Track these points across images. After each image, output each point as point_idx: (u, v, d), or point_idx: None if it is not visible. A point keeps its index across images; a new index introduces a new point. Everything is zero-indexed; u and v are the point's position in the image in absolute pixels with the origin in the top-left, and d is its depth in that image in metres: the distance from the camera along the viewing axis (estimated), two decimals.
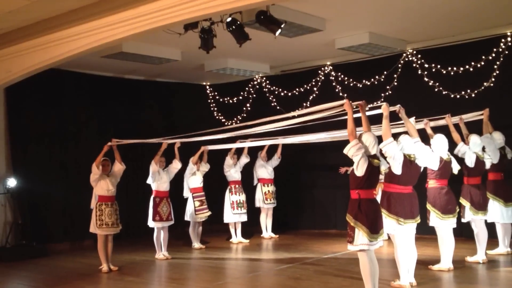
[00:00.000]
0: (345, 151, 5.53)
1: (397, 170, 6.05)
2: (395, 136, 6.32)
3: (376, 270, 5.59)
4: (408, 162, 6.14)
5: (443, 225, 6.96)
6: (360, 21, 8.42)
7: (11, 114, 10.00)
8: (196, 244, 9.75)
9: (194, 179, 9.56)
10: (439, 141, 6.97)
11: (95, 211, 7.92)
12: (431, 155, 6.68)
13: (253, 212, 10.74)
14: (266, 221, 10.77)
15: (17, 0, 6.75)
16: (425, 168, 6.85)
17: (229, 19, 6.90)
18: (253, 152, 10.58)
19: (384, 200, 6.17)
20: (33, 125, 10.18)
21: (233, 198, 10.10)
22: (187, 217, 9.66)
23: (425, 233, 7.82)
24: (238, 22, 6.93)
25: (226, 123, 12.85)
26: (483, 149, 7.71)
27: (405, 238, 6.18)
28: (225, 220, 10.23)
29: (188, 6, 6.39)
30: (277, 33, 6.86)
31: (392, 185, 6.20)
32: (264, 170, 10.54)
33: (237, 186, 10.19)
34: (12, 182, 9.64)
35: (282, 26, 6.78)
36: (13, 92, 9.79)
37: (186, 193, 9.62)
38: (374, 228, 5.50)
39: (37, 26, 7.93)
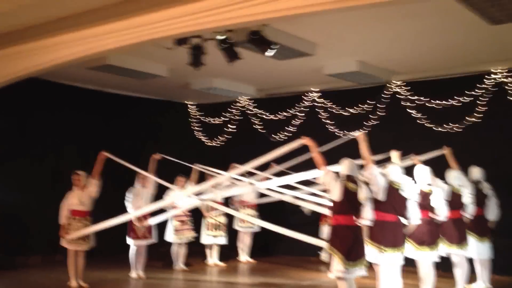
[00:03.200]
0: (321, 181, 5.64)
1: (379, 195, 5.98)
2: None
3: None
4: (392, 189, 6.08)
5: (419, 257, 6.86)
6: (349, 49, 8.43)
7: None
8: (177, 266, 9.46)
9: (179, 199, 9.14)
10: (420, 172, 6.94)
11: (69, 227, 7.66)
12: (412, 186, 6.66)
13: (232, 235, 10.51)
14: (242, 245, 10.55)
15: (2, 3, 6.57)
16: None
17: (221, 37, 6.81)
18: None
19: (367, 227, 6.07)
20: (11, 134, 9.89)
21: (208, 220, 9.86)
22: (166, 237, 9.37)
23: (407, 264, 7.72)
24: (230, 41, 6.85)
25: (207, 143, 12.73)
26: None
27: (388, 268, 6.06)
28: (202, 241, 9.97)
29: (179, 21, 6.28)
30: (269, 53, 6.80)
31: (375, 212, 6.09)
32: (250, 194, 10.24)
33: (212, 208, 9.88)
34: None
35: (274, 47, 6.72)
36: None
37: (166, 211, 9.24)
38: (350, 255, 5.41)
39: (22, 32, 7.74)
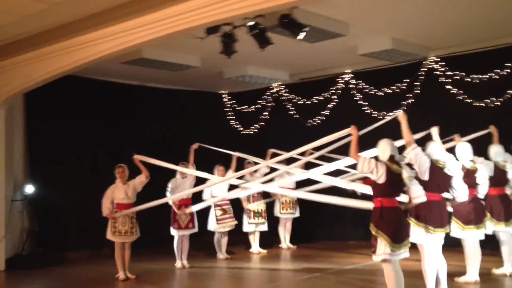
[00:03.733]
0: (359, 171, 5.51)
1: (423, 175, 5.88)
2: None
3: (402, 282, 5.41)
4: (436, 168, 5.96)
5: (466, 236, 6.74)
6: (383, 27, 8.28)
7: (30, 120, 9.95)
8: (220, 255, 9.54)
9: (218, 187, 9.19)
10: (462, 149, 6.78)
11: (111, 219, 7.80)
12: (455, 163, 6.52)
13: (272, 222, 10.53)
14: (284, 231, 10.57)
15: (35, 4, 6.70)
16: None
17: (251, 23, 6.78)
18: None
19: (412, 208, 5.97)
20: (52, 132, 10.13)
21: (250, 207, 9.90)
22: (209, 227, 9.44)
23: (452, 244, 7.58)
24: (261, 26, 6.81)
25: (243, 132, 12.75)
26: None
27: (433, 248, 5.96)
28: (244, 229, 10.02)
29: (210, 9, 6.32)
30: (301, 36, 6.74)
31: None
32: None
33: (255, 195, 9.94)
34: (29, 189, 9.57)
35: (306, 29, 6.65)
36: (32, 98, 9.76)
37: (207, 196, 9.23)
38: (397, 237, 5.34)
39: (56, 31, 7.90)
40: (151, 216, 9.78)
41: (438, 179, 5.95)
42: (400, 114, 6.09)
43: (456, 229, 6.76)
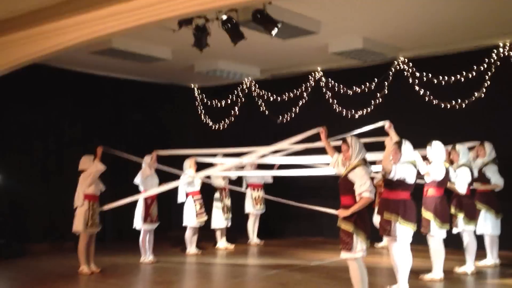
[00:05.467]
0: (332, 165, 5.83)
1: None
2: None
3: (366, 278, 5.49)
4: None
5: (440, 235, 6.87)
6: (354, 26, 8.35)
7: None
8: (192, 250, 9.47)
9: (193, 183, 9.22)
10: (438, 148, 6.90)
11: (86, 210, 7.63)
12: (438, 165, 6.74)
13: (237, 218, 10.52)
14: (253, 227, 10.58)
15: None
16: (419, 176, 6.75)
17: (224, 17, 6.75)
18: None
19: (400, 206, 6.09)
20: (15, 122, 9.88)
21: (223, 202, 9.88)
22: (185, 222, 9.34)
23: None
24: (234, 21, 6.78)
25: (213, 127, 12.71)
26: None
27: (407, 244, 6.15)
28: (214, 226, 9.97)
29: (183, 1, 6.22)
30: (274, 32, 6.74)
31: (404, 192, 6.18)
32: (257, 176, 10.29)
33: (224, 191, 9.97)
34: None
35: (279, 25, 6.66)
36: None
37: (182, 198, 9.24)
38: (369, 234, 5.49)
39: (24, 18, 7.68)
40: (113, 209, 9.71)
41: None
42: (387, 124, 6.24)
43: (435, 227, 6.85)
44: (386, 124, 6.63)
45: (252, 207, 10.38)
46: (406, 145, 6.22)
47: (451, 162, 7.34)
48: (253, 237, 10.59)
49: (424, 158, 6.85)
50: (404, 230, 6.09)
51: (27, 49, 8.08)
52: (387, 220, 6.13)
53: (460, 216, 7.30)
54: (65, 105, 10.59)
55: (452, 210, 7.33)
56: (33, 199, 9.86)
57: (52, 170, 10.23)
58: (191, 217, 9.28)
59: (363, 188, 5.32)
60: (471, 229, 7.40)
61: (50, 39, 7.77)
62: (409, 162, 6.18)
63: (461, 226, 7.32)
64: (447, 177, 6.92)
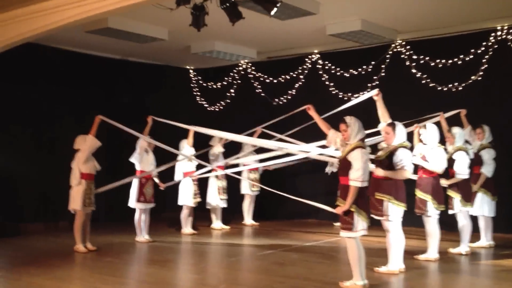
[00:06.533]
0: (329, 143, 5.87)
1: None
2: None
3: (364, 256, 5.53)
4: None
5: (436, 216, 6.91)
6: (353, 8, 8.31)
7: None
8: (187, 229, 9.50)
9: (188, 163, 9.23)
10: (433, 131, 6.92)
11: (84, 190, 7.63)
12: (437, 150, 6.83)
13: (232, 199, 10.54)
14: (249, 208, 10.62)
15: None
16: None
17: None
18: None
19: (392, 187, 6.08)
20: (8, 100, 9.80)
21: (219, 184, 9.90)
22: (181, 202, 9.37)
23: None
24: (232, 0, 6.72)
25: (208, 109, 12.68)
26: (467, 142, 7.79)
27: (399, 224, 6.21)
28: (209, 206, 10.01)
29: None
30: (273, 12, 6.66)
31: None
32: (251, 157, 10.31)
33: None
34: None
35: (278, 5, 6.59)
36: None
37: (178, 177, 9.26)
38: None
39: None
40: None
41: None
42: (376, 93, 6.21)
43: (432, 208, 6.89)
44: (375, 92, 6.57)
45: (249, 189, 10.40)
46: (400, 127, 6.21)
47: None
48: (248, 218, 10.63)
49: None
50: (396, 210, 6.11)
51: (24, 27, 7.99)
52: (378, 200, 6.13)
53: (457, 198, 7.35)
54: (58, 84, 10.47)
55: (449, 192, 7.38)
56: (27, 178, 9.82)
57: (45, 149, 10.16)
58: (187, 197, 9.30)
59: (354, 176, 5.34)
60: (467, 211, 7.46)
61: (47, 17, 7.69)
62: (403, 145, 6.16)
63: (457, 207, 7.38)
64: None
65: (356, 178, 5.33)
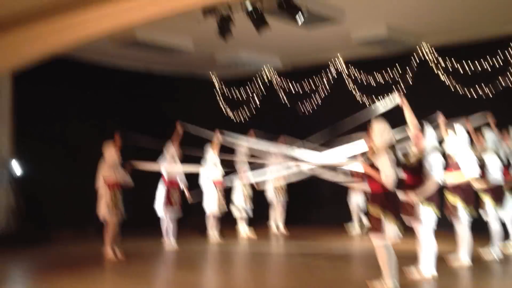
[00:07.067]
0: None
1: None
2: None
3: (394, 261, 5.49)
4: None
5: (468, 219, 6.85)
6: (378, 14, 8.30)
7: (17, 99, 9.86)
8: (213, 236, 9.55)
9: (214, 170, 9.32)
10: (464, 134, 6.88)
11: (109, 197, 7.75)
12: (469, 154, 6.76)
13: (261, 206, 10.55)
14: (276, 215, 10.61)
15: None
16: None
17: (249, 5, 6.75)
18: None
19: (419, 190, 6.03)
20: (38, 111, 10.05)
21: (244, 191, 9.94)
22: (207, 209, 9.44)
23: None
24: (259, 9, 6.78)
25: (233, 118, 12.73)
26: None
27: (431, 228, 6.14)
28: (235, 213, 10.04)
29: None
30: (299, 19, 6.72)
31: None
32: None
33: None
34: (15, 167, 9.48)
35: (304, 12, 6.64)
36: (20, 78, 9.64)
37: (204, 185, 9.34)
38: (399, 217, 5.52)
39: (49, 9, 7.77)
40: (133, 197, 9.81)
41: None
42: (400, 98, 6.12)
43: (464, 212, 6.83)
44: (398, 99, 6.41)
45: (275, 196, 10.41)
46: (429, 129, 6.15)
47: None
48: (275, 225, 10.61)
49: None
50: (427, 212, 6.03)
51: (52, 41, 8.17)
52: (410, 203, 6.06)
53: (488, 200, 7.25)
54: (85, 95, 10.70)
55: (481, 195, 7.28)
56: (55, 186, 9.99)
57: (71, 157, 10.31)
58: (212, 204, 9.37)
59: (386, 179, 5.31)
60: (498, 213, 7.35)
61: (74, 30, 7.85)
62: (434, 148, 6.10)
63: (489, 210, 7.27)
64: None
65: (388, 180, 5.29)
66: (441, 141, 6.72)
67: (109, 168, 7.78)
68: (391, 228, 5.37)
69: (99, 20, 7.39)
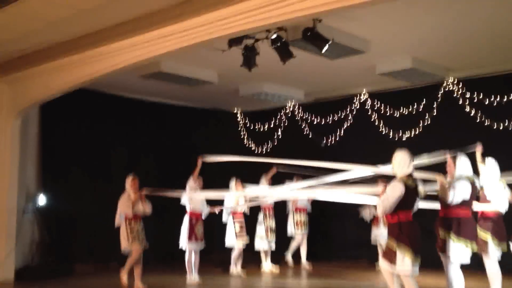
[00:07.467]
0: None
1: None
2: None
3: None
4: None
5: (497, 255, 6.59)
6: (403, 45, 8.25)
7: (44, 131, 9.95)
8: (235, 270, 9.38)
9: (233, 200, 9.26)
10: (494, 165, 6.70)
11: (125, 228, 7.79)
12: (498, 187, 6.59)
13: (282, 239, 10.38)
14: (294, 248, 10.42)
15: (61, 8, 6.67)
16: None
17: (274, 36, 6.78)
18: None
19: (454, 223, 5.84)
20: (65, 144, 10.13)
21: (267, 224, 9.80)
22: (228, 242, 9.31)
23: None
24: (283, 39, 6.80)
25: (256, 151, 12.68)
26: None
27: (459, 264, 5.91)
28: (257, 247, 9.88)
29: (233, 20, 6.26)
30: (324, 50, 6.71)
31: (461, 209, 5.89)
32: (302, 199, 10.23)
33: (269, 212, 9.90)
34: (41, 200, 9.50)
35: (329, 43, 6.63)
36: (48, 109, 9.76)
37: (225, 218, 9.29)
38: (418, 250, 5.35)
39: (74, 41, 7.88)
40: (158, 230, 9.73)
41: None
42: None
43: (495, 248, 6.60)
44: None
45: (294, 230, 10.24)
46: (462, 159, 6.00)
47: None
48: (292, 258, 10.40)
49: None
50: (457, 249, 5.80)
51: (78, 73, 8.28)
52: (442, 239, 5.89)
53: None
54: (112, 129, 10.78)
55: None
56: (79, 220, 9.98)
57: (98, 191, 10.34)
58: (231, 238, 9.25)
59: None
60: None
61: (100, 62, 7.96)
62: (465, 178, 5.92)
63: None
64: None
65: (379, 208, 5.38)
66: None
67: (127, 201, 7.81)
68: (405, 261, 5.26)
69: (126, 51, 7.48)
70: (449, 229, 5.84)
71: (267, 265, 9.92)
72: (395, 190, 5.33)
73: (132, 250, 7.74)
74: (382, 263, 5.46)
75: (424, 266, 5.66)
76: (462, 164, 5.98)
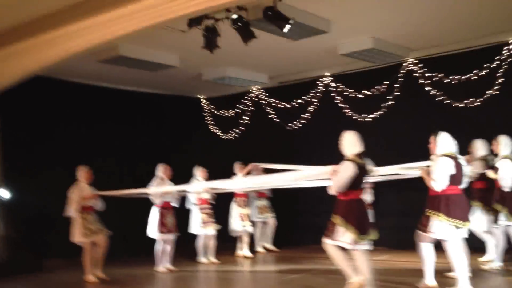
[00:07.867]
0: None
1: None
2: None
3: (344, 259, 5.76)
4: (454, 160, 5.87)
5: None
6: (364, 26, 8.26)
7: (3, 123, 9.59)
8: (203, 259, 9.31)
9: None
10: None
11: (79, 221, 7.77)
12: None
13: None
14: (260, 235, 10.40)
15: None
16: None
17: (234, 16, 6.68)
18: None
19: (440, 203, 5.73)
20: (26, 135, 9.85)
21: (241, 211, 9.79)
22: (192, 230, 9.23)
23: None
24: (244, 19, 6.71)
25: (222, 137, 12.60)
26: None
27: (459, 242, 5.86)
28: (230, 233, 9.86)
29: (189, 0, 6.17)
30: (286, 29, 6.65)
31: (450, 187, 5.79)
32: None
33: (243, 199, 9.89)
34: (5, 194, 9.22)
35: (291, 22, 6.57)
36: (4, 101, 9.39)
37: (189, 205, 9.21)
38: (365, 230, 5.59)
39: (24, 27, 7.57)
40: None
41: (459, 171, 5.87)
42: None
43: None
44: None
45: (256, 216, 10.22)
46: (442, 136, 5.97)
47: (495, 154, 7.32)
48: (259, 244, 10.40)
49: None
50: (444, 227, 5.73)
51: (31, 59, 7.94)
52: (425, 216, 5.85)
53: (503, 211, 7.07)
54: (72, 118, 10.52)
55: (495, 205, 7.15)
56: (47, 213, 9.71)
57: (64, 183, 10.07)
58: (196, 226, 9.18)
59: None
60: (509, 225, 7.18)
61: (54, 47, 7.59)
62: (446, 155, 5.84)
63: (503, 221, 7.10)
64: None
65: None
66: None
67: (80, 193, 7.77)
68: (345, 236, 5.49)
69: (79, 35, 7.22)
70: (436, 208, 5.74)
71: (245, 252, 9.88)
72: (347, 170, 5.48)
73: (84, 245, 7.65)
74: (326, 240, 5.66)
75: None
76: (443, 142, 5.93)
